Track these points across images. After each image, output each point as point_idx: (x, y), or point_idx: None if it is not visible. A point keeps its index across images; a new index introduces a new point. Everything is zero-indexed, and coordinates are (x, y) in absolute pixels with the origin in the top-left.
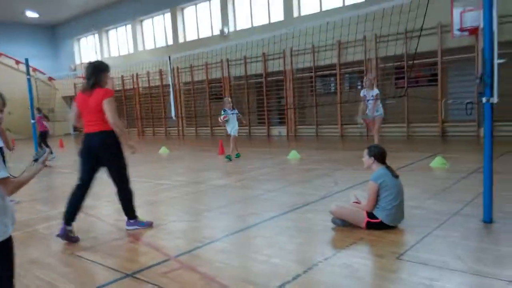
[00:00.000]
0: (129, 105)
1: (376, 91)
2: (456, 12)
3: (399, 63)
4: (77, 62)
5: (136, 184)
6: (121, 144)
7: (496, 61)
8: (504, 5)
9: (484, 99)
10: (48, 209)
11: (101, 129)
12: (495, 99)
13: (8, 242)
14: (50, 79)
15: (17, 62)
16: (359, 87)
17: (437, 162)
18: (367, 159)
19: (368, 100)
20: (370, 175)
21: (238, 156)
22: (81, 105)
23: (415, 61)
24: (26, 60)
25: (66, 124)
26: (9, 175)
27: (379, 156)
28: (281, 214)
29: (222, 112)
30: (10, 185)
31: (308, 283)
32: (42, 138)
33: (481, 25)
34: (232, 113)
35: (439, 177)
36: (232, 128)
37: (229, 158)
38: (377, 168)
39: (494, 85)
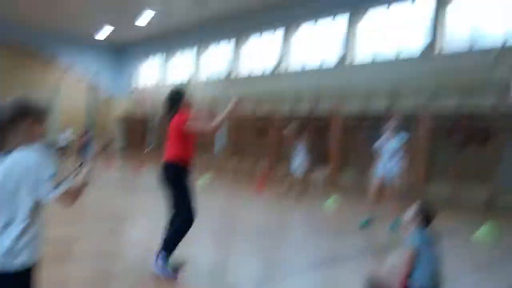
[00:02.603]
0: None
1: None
2: None
3: (453, 121)
4: (138, 84)
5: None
6: (182, 175)
7: None
8: None
9: None
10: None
11: (165, 159)
12: None
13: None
14: (109, 97)
15: (81, 78)
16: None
17: (483, 231)
18: (412, 217)
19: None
20: (407, 236)
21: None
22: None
23: (469, 120)
24: (91, 76)
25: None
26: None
27: (428, 218)
28: (313, 268)
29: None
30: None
31: None
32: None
33: None
34: (299, 150)
35: (484, 248)
36: (297, 165)
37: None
38: (416, 229)
39: None
